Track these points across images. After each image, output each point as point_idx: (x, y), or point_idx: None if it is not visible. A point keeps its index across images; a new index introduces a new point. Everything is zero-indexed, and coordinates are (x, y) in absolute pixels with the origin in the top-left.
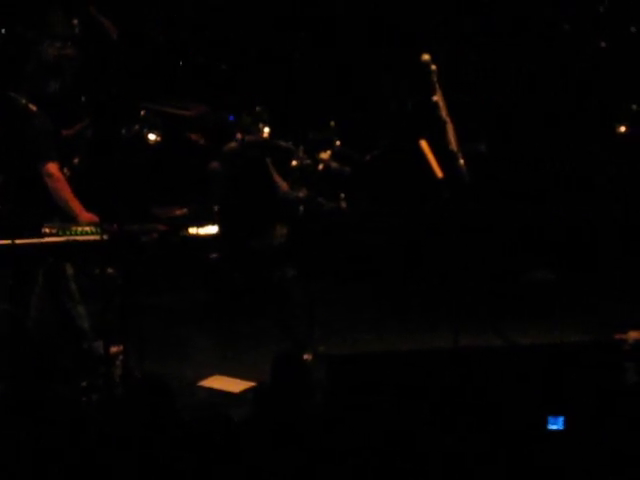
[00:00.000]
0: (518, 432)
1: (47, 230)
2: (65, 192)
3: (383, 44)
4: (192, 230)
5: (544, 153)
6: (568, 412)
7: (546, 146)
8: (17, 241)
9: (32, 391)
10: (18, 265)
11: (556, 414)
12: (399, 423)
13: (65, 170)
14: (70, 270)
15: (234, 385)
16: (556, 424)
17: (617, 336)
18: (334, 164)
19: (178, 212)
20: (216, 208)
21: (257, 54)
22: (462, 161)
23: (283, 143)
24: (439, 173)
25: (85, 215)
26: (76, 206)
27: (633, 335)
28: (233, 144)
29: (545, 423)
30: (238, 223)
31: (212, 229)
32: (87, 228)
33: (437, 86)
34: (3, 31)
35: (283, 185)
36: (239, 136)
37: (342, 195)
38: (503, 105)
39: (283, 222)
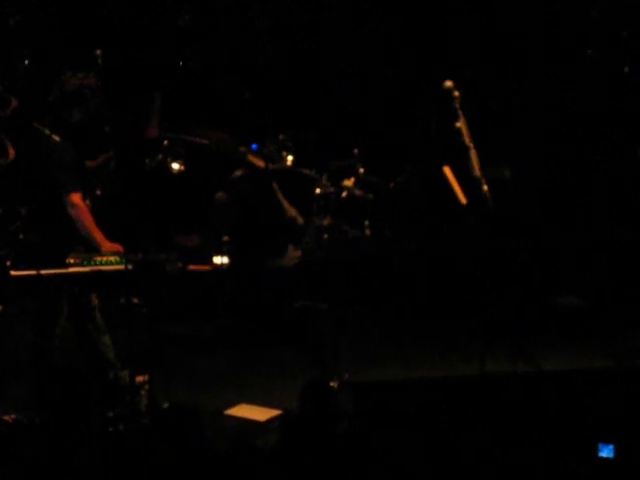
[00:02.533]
0: (568, 459)
1: (72, 260)
2: (88, 222)
3: (406, 71)
4: (216, 259)
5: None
6: (619, 440)
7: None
8: (42, 271)
9: (58, 422)
10: (43, 295)
11: (607, 442)
12: (425, 450)
13: (87, 201)
14: (95, 300)
15: (260, 413)
16: (607, 452)
17: None
18: (358, 191)
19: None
20: (225, 238)
21: (280, 82)
22: (486, 187)
23: (307, 171)
24: (463, 199)
25: (107, 245)
26: (99, 236)
27: None
28: (238, 172)
29: (596, 451)
30: (250, 247)
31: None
32: (112, 258)
33: (460, 112)
34: (26, 62)
35: (291, 211)
36: (263, 164)
37: (366, 222)
38: (527, 130)
39: (295, 245)
